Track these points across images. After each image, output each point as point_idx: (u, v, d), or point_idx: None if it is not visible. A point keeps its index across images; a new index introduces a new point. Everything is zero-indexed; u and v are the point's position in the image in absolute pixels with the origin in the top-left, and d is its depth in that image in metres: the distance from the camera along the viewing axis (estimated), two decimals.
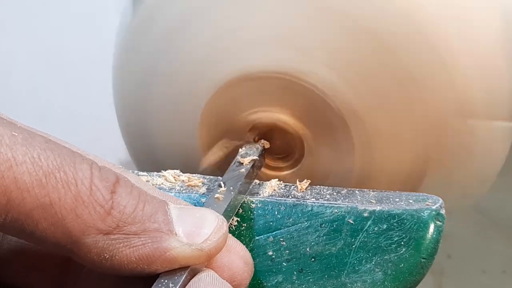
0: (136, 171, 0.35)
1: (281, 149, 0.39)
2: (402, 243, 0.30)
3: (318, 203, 0.31)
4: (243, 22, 0.36)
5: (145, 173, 0.35)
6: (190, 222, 0.25)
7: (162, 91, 0.39)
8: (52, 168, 0.23)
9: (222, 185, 0.32)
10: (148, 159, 0.43)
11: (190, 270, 0.25)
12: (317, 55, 0.35)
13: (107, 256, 0.24)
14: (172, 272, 0.25)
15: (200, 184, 0.34)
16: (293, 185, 0.34)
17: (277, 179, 0.35)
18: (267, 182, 0.34)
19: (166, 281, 0.24)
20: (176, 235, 0.25)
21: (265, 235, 0.32)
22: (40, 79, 0.75)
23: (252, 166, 0.35)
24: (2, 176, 0.22)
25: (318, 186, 0.34)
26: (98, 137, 0.62)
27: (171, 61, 0.38)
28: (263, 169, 0.38)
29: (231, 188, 0.32)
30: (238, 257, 0.28)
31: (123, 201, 0.24)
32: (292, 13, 0.35)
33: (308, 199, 0.32)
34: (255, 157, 0.36)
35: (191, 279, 0.25)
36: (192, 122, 0.39)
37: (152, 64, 0.39)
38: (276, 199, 0.32)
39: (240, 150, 0.37)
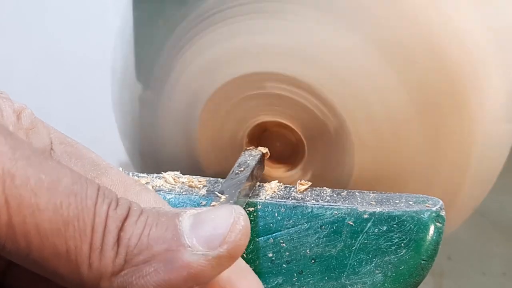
0: (135, 173, 0.35)
1: (281, 152, 0.39)
2: (402, 244, 0.30)
3: (318, 204, 0.31)
4: (246, 31, 0.36)
5: (145, 175, 0.35)
6: (206, 227, 0.24)
7: (163, 94, 0.39)
8: (72, 217, 0.22)
9: (221, 193, 0.31)
10: (149, 161, 0.43)
11: None
12: (319, 61, 0.35)
13: None
14: None
15: (200, 186, 0.34)
16: (293, 186, 0.34)
17: (277, 181, 0.35)
18: (267, 184, 0.34)
19: None
20: (189, 247, 0.23)
21: (265, 236, 0.32)
22: (40, 81, 0.75)
23: (251, 174, 0.34)
24: (24, 221, 0.22)
25: (318, 188, 0.34)
26: (98, 138, 0.62)
27: (173, 66, 0.38)
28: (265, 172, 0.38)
29: (230, 196, 0.31)
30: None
31: (126, 235, 0.23)
32: (296, 23, 0.35)
33: (308, 200, 0.32)
34: (253, 165, 0.35)
35: None
36: (193, 124, 0.39)
37: (153, 69, 0.39)
38: (276, 201, 0.32)
39: (239, 157, 0.37)
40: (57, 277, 0.23)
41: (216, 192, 0.31)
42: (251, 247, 0.31)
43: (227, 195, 0.31)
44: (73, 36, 0.74)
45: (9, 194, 0.22)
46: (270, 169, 0.39)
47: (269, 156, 0.38)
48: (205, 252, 0.23)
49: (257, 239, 0.32)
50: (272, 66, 0.36)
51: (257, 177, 0.36)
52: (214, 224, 0.24)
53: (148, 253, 0.23)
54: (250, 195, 0.34)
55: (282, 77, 0.36)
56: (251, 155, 0.37)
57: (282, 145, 0.38)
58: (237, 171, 0.34)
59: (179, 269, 0.23)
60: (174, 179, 0.34)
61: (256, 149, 0.38)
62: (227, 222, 0.24)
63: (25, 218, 0.22)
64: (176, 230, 0.24)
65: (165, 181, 0.34)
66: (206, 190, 0.34)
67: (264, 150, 0.38)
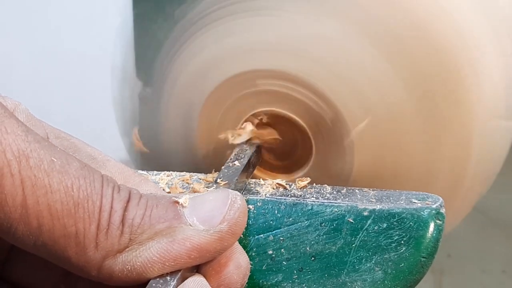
0: (136, 170, 0.35)
1: (283, 151, 0.39)
2: (402, 242, 0.30)
3: (318, 202, 0.31)
4: (237, 30, 0.36)
5: (144, 172, 0.35)
6: (204, 209, 0.25)
7: (163, 92, 0.39)
8: (82, 198, 0.23)
9: (219, 180, 0.32)
10: (149, 158, 0.43)
11: (181, 275, 0.25)
12: (320, 60, 0.35)
13: (129, 267, 0.24)
14: (164, 276, 0.24)
15: (201, 182, 0.34)
16: (293, 184, 0.34)
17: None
18: (266, 181, 0.34)
19: (156, 285, 0.24)
20: (190, 225, 0.24)
21: (265, 234, 0.31)
22: (41, 78, 0.75)
23: (248, 162, 0.35)
24: (37, 201, 0.22)
25: (318, 185, 0.34)
26: (98, 135, 0.62)
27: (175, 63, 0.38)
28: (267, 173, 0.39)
29: (228, 184, 0.32)
30: (227, 260, 0.27)
31: (130, 215, 0.24)
32: (300, 23, 0.35)
33: (308, 198, 0.32)
34: (251, 153, 0.36)
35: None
36: (192, 122, 0.39)
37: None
38: (276, 198, 0.32)
39: (236, 147, 0.37)
40: (63, 260, 0.24)
41: (217, 178, 0.32)
42: (251, 244, 0.31)
43: (224, 182, 0.32)
44: (74, 34, 0.74)
45: (25, 175, 0.22)
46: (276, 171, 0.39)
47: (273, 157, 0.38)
48: (207, 229, 0.24)
49: (257, 237, 0.32)
50: (268, 63, 0.36)
51: (254, 165, 0.36)
52: (212, 205, 0.25)
53: (151, 231, 0.24)
54: (247, 183, 0.34)
55: (274, 73, 0.36)
56: (248, 145, 0.37)
57: (283, 146, 0.39)
58: (234, 160, 0.35)
59: (181, 241, 0.24)
60: (174, 176, 0.34)
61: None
62: (224, 202, 0.25)
63: (38, 199, 0.22)
64: (176, 210, 0.25)
65: (165, 178, 0.34)
66: (207, 187, 0.34)
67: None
